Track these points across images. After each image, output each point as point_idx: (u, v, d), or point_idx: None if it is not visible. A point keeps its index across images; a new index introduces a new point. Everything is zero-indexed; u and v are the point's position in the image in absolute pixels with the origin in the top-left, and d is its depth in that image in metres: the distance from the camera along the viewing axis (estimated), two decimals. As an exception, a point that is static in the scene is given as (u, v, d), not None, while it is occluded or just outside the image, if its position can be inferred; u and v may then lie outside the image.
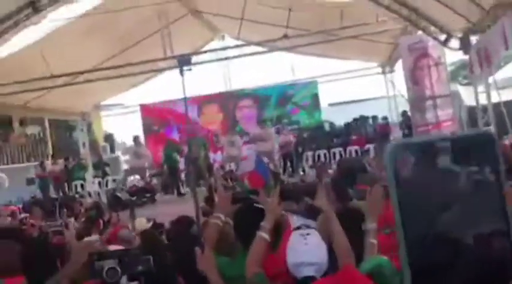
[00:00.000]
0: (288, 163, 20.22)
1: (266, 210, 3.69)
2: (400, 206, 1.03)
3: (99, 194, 20.71)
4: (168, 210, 12.99)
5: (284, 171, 19.10)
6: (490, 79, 15.60)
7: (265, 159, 18.94)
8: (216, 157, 22.80)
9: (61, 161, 22.97)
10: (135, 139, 20.83)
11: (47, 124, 27.82)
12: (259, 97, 25.92)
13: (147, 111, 26.28)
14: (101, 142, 28.55)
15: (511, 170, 5.31)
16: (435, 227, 1.04)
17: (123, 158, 24.58)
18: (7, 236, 4.62)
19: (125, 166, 24.00)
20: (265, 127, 19.79)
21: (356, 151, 20.02)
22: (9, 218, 13.01)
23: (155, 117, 26.05)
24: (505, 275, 1.00)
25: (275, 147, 19.53)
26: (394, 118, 23.80)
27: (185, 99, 12.17)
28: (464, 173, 1.06)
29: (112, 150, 27.83)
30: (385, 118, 22.24)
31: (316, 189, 3.63)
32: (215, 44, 25.67)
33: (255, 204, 4.03)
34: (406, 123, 20.45)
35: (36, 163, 23.54)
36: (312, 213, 4.45)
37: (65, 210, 12.39)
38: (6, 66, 18.47)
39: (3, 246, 4.50)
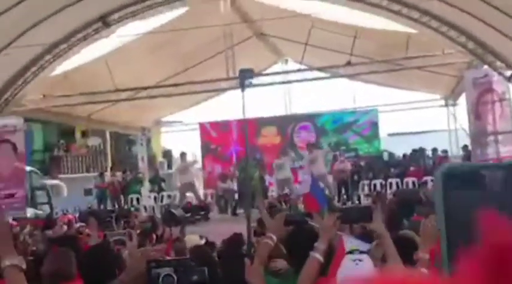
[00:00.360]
0: (343, 191, 20.08)
1: (321, 230, 3.67)
2: (446, 231, 1.04)
3: (153, 209, 20.96)
4: (221, 228, 13.06)
5: (339, 198, 18.96)
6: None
7: (321, 184, 18.92)
8: (271, 180, 22.79)
9: (119, 174, 23.38)
10: (182, 155, 21.04)
11: (108, 136, 28.40)
12: (319, 122, 25.88)
13: (205, 129, 26.54)
14: (159, 158, 28.94)
15: None
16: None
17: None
18: (65, 244, 4.74)
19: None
20: (314, 150, 19.67)
21: (413, 183, 19.74)
22: (65, 227, 13.29)
23: (214, 136, 26.28)
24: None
25: (325, 169, 19.36)
26: (454, 152, 23.40)
27: (244, 115, 12.20)
28: (507, 194, 1.08)
29: (169, 166, 28.15)
30: (445, 151, 21.90)
31: (370, 212, 3.61)
32: (278, 67, 25.84)
33: (308, 227, 4.04)
34: (467, 157, 20.12)
35: (95, 174, 24.03)
36: (366, 236, 4.43)
37: (122, 222, 12.59)
38: (73, 78, 19.03)
39: (61, 253, 4.63)
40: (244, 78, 12.77)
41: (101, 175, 22.91)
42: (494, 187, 1.06)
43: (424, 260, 3.33)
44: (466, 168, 1.02)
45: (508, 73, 15.91)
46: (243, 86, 12.68)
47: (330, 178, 19.83)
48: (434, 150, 21.87)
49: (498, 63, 15.79)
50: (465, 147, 20.94)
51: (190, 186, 20.42)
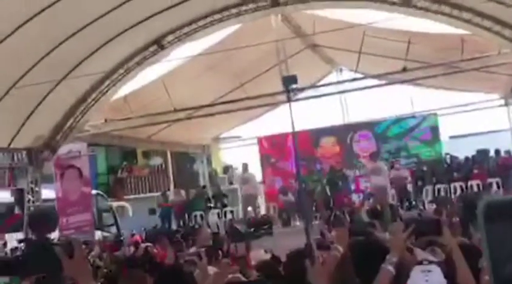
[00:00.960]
0: (405, 198, 19.88)
1: (392, 242, 3.69)
2: (491, 258, 1.07)
3: (217, 225, 21.16)
4: (284, 242, 13.11)
5: (401, 205, 18.78)
6: None
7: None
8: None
9: (183, 191, 23.72)
10: (244, 166, 21.22)
11: (169, 156, 28.85)
12: (377, 129, 25.73)
13: (264, 143, 26.70)
14: (220, 174, 29.22)
15: None
16: None
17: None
18: (138, 265, 4.90)
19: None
20: (378, 162, 19.55)
21: (478, 186, 19.39)
22: (132, 248, 13.59)
23: (272, 149, 26.41)
24: None
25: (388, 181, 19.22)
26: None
27: (292, 123, 12.32)
28: None
29: (230, 182, 28.40)
30: (508, 151, 21.44)
31: (440, 225, 3.60)
32: (333, 76, 25.83)
33: (373, 238, 4.08)
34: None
35: (158, 193, 24.42)
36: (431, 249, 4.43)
37: (190, 240, 12.77)
38: (132, 101, 19.46)
39: (135, 274, 4.79)
40: (288, 83, 12.98)
41: (164, 194, 23.28)
42: None
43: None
44: (508, 200, 1.04)
45: None
46: (288, 93, 12.90)
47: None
48: (497, 151, 21.44)
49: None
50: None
51: (252, 198, 20.55)
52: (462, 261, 3.34)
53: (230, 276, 4.49)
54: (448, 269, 3.42)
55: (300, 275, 3.92)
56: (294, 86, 13.08)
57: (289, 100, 12.69)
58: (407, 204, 19.60)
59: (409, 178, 21.20)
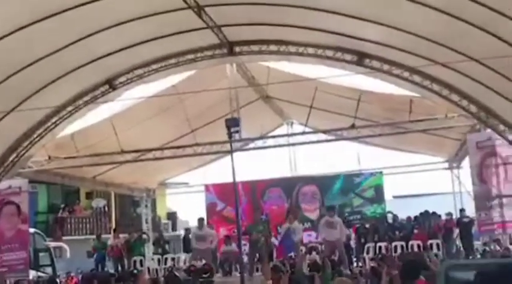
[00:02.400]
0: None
1: None
2: None
3: (157, 271, 20.76)
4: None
5: (341, 262, 18.79)
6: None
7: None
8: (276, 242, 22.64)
9: (122, 236, 23.24)
10: (199, 221, 20.94)
11: (112, 198, 28.41)
12: (324, 184, 25.88)
13: (211, 191, 26.55)
14: (164, 220, 28.86)
15: None
16: None
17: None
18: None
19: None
20: (334, 216, 19.59)
21: (418, 246, 19.55)
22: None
23: (219, 197, 26.26)
24: None
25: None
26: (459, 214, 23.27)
27: (233, 171, 12.49)
28: None
29: (174, 228, 28.05)
30: (449, 214, 21.79)
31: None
32: (283, 129, 26.04)
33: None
34: (462, 220, 20.39)
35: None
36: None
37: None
38: (79, 139, 19.19)
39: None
40: (230, 126, 13.18)
41: (98, 237, 22.76)
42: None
43: None
44: (468, 264, 1.07)
45: (511, 137, 15.98)
46: (230, 135, 13.08)
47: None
48: (434, 213, 21.74)
49: (501, 127, 15.88)
50: (462, 210, 21.25)
51: (206, 254, 20.26)
52: None
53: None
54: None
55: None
56: (234, 129, 13.20)
57: (231, 144, 12.87)
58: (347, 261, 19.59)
59: (352, 235, 21.29)
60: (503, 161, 17.04)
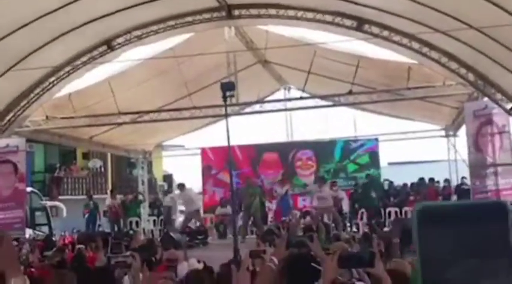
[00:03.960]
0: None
1: (323, 271, 3.71)
2: (422, 270, 1.13)
3: (152, 232, 20.96)
4: (219, 253, 13.07)
5: (336, 226, 19.00)
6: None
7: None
8: (271, 206, 22.83)
9: (119, 196, 23.42)
10: (180, 187, 21.05)
11: (109, 159, 28.48)
12: (319, 150, 25.97)
13: (206, 154, 26.64)
14: (160, 181, 28.99)
15: None
16: (451, 282, 1.14)
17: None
18: (67, 266, 4.80)
19: (180, 207, 24.19)
20: (323, 185, 19.74)
21: (412, 212, 19.74)
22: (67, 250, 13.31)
23: (214, 160, 26.36)
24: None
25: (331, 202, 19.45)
26: (454, 182, 23.45)
27: (228, 135, 12.48)
28: (479, 235, 1.17)
29: (170, 190, 28.22)
30: (447, 180, 21.95)
31: (372, 258, 3.61)
32: (280, 94, 26.03)
33: (307, 251, 4.15)
34: (460, 187, 20.51)
35: (96, 195, 24.07)
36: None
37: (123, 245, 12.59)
38: (76, 100, 19.17)
39: (62, 275, 4.68)
40: (225, 89, 13.21)
41: (90, 197, 22.90)
42: (468, 226, 1.16)
43: None
44: (441, 206, 1.12)
45: (508, 106, 16.02)
46: (225, 98, 13.10)
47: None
48: (431, 180, 21.88)
49: (498, 96, 15.91)
50: (463, 178, 21.23)
51: (197, 214, 20.50)
52: None
53: (161, 282, 4.44)
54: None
55: (230, 282, 3.92)
56: (230, 93, 13.24)
57: (225, 108, 12.86)
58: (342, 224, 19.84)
59: (346, 200, 21.47)
60: (499, 130, 17.12)
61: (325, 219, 18.97)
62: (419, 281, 1.12)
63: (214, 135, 26.79)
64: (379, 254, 3.86)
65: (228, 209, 21.67)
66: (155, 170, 29.73)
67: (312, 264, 3.91)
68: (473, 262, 1.15)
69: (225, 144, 24.34)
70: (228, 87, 13.79)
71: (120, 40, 16.30)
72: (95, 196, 24.06)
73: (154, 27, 16.07)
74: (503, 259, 1.13)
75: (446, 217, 1.18)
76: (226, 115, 13.38)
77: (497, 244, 1.17)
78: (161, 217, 22.60)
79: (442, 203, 1.15)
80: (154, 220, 22.71)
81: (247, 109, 22.37)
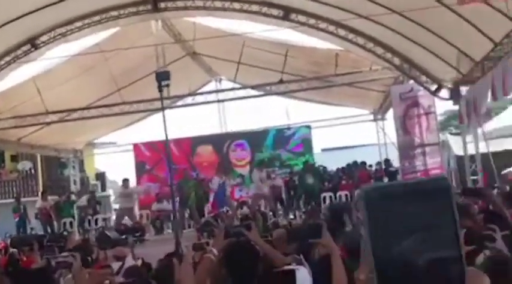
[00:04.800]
0: (279, 206, 20.30)
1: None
2: (371, 237, 1.16)
3: (87, 231, 20.64)
4: (157, 249, 12.97)
5: (274, 214, 19.12)
6: (479, 130, 15.86)
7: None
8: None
9: (51, 198, 22.89)
10: (124, 181, 20.79)
11: (39, 160, 27.84)
12: (253, 139, 26.05)
13: (139, 150, 26.35)
14: (93, 180, 28.53)
15: (496, 215, 5.43)
16: (400, 256, 1.18)
17: (113, 199, 24.45)
18: (1, 271, 4.69)
19: (115, 206, 23.88)
20: (262, 172, 19.84)
21: (346, 196, 20.07)
22: None
23: (148, 156, 26.10)
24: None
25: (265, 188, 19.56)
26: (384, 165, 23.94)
27: (165, 128, 12.34)
28: (424, 210, 1.22)
29: (103, 189, 27.80)
30: (378, 163, 22.39)
31: (320, 229, 3.66)
32: (212, 85, 25.97)
33: (245, 240, 4.19)
34: (388, 169, 21.03)
35: (26, 199, 23.49)
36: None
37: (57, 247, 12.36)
38: (2, 101, 18.64)
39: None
40: (161, 79, 13.05)
41: (17, 199, 22.34)
42: (414, 203, 1.20)
43: (360, 281, 3.41)
44: (387, 186, 1.18)
45: (433, 87, 16.46)
46: (160, 88, 12.95)
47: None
48: (362, 163, 22.28)
49: (423, 78, 16.32)
50: (386, 160, 21.87)
51: (129, 211, 20.26)
52: (339, 262, 3.41)
53: (107, 282, 4.39)
54: (322, 269, 3.53)
55: (169, 276, 3.92)
56: (165, 83, 13.07)
57: (161, 98, 12.72)
58: (281, 212, 19.99)
59: (283, 188, 21.61)
60: (425, 111, 17.60)
61: (262, 208, 19.07)
62: (370, 261, 1.15)
63: (146, 130, 26.59)
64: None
65: (165, 204, 21.52)
66: (87, 169, 29.21)
67: (251, 251, 3.96)
68: (420, 235, 1.19)
69: (158, 138, 24.18)
70: (163, 77, 13.55)
71: (44, 38, 15.95)
72: (26, 199, 23.48)
73: (79, 24, 15.78)
74: (448, 231, 1.18)
75: (392, 195, 1.22)
76: (163, 108, 13.19)
77: (442, 218, 1.21)
78: (96, 217, 22.22)
79: (388, 183, 1.20)
80: (89, 220, 22.33)
81: (180, 103, 22.25)
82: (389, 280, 1.18)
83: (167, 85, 13.18)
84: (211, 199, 21.97)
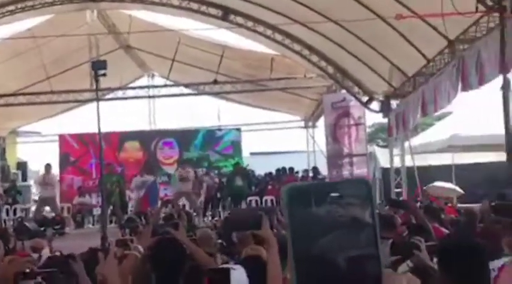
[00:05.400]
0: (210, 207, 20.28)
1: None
2: (292, 235, 1.15)
3: (5, 221, 20.04)
4: (76, 243, 12.69)
5: (204, 214, 19.08)
6: (406, 144, 16.21)
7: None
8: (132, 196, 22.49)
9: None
10: (47, 167, 20.22)
11: (-42, 145, 26.86)
12: (182, 138, 25.86)
13: (65, 141, 25.75)
14: (14, 169, 27.71)
15: (420, 228, 5.55)
16: (319, 253, 1.18)
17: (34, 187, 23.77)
18: None
19: (35, 197, 23.25)
20: (188, 168, 19.67)
21: (272, 201, 20.17)
22: None
23: (74, 148, 25.54)
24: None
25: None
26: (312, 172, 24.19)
27: (99, 121, 12.05)
28: (346, 210, 1.22)
29: (24, 178, 27.03)
30: (306, 171, 22.61)
31: (260, 220, 3.60)
32: (144, 80, 25.65)
33: (171, 237, 4.21)
34: (316, 177, 21.28)
35: None
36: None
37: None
38: None
39: None
40: (97, 68, 12.75)
41: None
42: (335, 202, 1.20)
43: (287, 280, 3.38)
44: (308, 186, 1.20)
45: (364, 99, 16.74)
46: (96, 78, 12.67)
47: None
48: (290, 169, 22.48)
49: (356, 89, 16.58)
50: (314, 168, 22.12)
51: (51, 201, 19.70)
52: (276, 254, 3.31)
53: (28, 270, 4.23)
54: (247, 270, 3.51)
55: (92, 270, 3.80)
56: (102, 72, 12.75)
57: (96, 89, 12.43)
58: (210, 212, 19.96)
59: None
60: (355, 122, 17.88)
61: (187, 208, 18.93)
62: (291, 260, 1.13)
63: (73, 122, 26.03)
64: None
65: (87, 198, 21.12)
66: (9, 157, 28.35)
67: (179, 250, 4.02)
68: (340, 233, 1.19)
69: (84, 131, 23.72)
70: (99, 66, 13.22)
71: (-27, 19, 15.40)
72: None
73: (11, 7, 15.29)
74: (368, 229, 1.20)
75: (314, 194, 1.21)
76: (98, 99, 12.85)
77: (362, 216, 1.22)
78: (15, 206, 21.58)
79: (310, 183, 1.23)
80: (7, 209, 21.66)
81: (110, 96, 21.88)
82: (308, 277, 1.18)
83: (104, 75, 12.85)
84: (134, 195, 21.69)
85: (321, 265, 1.17)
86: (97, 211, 20.40)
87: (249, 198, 20.45)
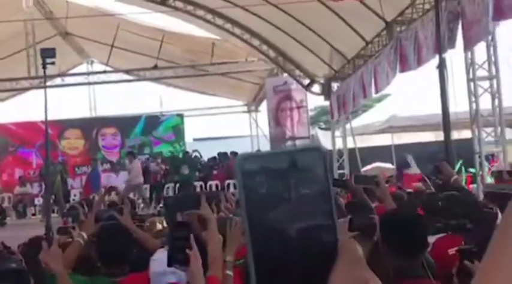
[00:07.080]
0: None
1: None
2: (246, 208, 1.16)
3: None
4: (19, 233, 12.46)
5: (151, 200, 18.96)
6: (347, 126, 16.44)
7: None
8: (74, 184, 22.19)
9: None
10: None
11: None
12: (123, 125, 25.56)
13: (4, 130, 25.14)
14: None
15: (364, 206, 5.64)
16: (273, 224, 1.19)
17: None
18: None
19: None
20: (134, 160, 19.44)
21: (216, 186, 20.17)
22: None
23: (13, 137, 24.96)
24: (331, 261, 1.18)
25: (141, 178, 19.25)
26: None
27: (45, 110, 11.85)
28: (299, 179, 1.23)
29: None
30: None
31: (199, 200, 3.63)
32: (83, 68, 25.22)
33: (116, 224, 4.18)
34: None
35: None
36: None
37: None
38: None
39: None
40: (46, 56, 12.56)
41: None
42: (287, 171, 1.22)
43: (230, 262, 3.41)
44: (260, 155, 1.19)
45: (305, 82, 16.87)
46: (44, 66, 12.48)
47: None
48: (233, 153, 22.51)
49: (297, 72, 16.69)
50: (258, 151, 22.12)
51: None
52: (216, 233, 3.34)
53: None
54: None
55: (36, 259, 3.76)
56: (52, 59, 12.56)
57: (45, 77, 12.22)
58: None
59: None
60: (297, 105, 18.02)
61: (131, 195, 18.78)
62: (246, 227, 1.15)
63: (13, 111, 25.41)
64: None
65: (28, 188, 20.74)
66: None
67: (124, 235, 4.03)
68: (293, 204, 1.21)
69: (23, 119, 23.24)
70: (48, 54, 12.95)
71: None
72: None
73: None
74: (321, 200, 1.21)
75: (266, 164, 1.23)
76: (45, 86, 12.61)
77: (316, 186, 1.23)
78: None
79: (262, 152, 1.21)
80: None
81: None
82: (263, 248, 1.19)
83: (53, 63, 12.65)
84: (76, 184, 21.43)
85: (275, 236, 1.19)
86: (39, 201, 20.05)
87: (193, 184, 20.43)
